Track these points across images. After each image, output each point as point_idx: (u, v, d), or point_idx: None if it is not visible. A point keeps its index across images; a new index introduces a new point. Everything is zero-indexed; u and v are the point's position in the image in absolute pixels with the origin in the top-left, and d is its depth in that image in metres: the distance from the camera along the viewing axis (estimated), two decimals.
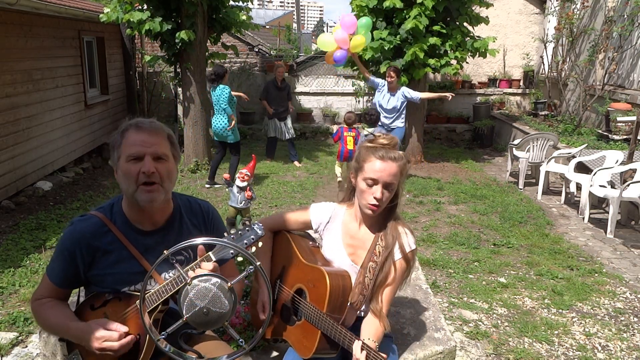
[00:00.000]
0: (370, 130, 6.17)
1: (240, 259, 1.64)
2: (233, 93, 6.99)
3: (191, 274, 1.57)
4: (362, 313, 2.00)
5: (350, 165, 2.03)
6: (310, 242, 2.19)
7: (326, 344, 1.85)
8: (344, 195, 2.14)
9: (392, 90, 7.04)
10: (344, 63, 7.07)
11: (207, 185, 6.95)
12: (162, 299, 1.64)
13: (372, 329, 1.86)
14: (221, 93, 6.61)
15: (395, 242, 1.94)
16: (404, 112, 7.10)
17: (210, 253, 1.62)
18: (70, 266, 1.71)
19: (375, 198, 1.87)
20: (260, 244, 1.70)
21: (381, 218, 1.99)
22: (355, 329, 1.93)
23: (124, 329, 1.62)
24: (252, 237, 1.67)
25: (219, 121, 6.69)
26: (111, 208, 1.77)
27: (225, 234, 1.68)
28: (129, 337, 1.61)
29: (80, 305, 1.79)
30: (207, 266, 1.60)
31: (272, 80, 8.33)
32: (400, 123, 7.12)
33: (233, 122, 6.61)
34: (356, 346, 1.72)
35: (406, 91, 7.03)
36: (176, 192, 1.87)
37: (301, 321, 1.96)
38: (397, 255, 1.95)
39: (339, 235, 2.06)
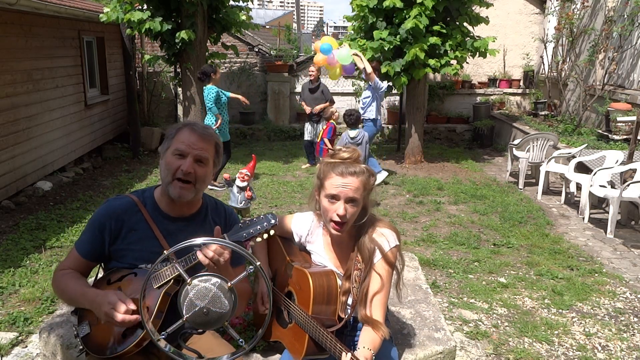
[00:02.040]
0: (355, 133, 5.54)
1: (259, 239, 1.72)
2: (232, 95, 6.97)
3: (206, 251, 1.66)
4: (351, 320, 1.98)
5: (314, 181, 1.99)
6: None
7: (315, 347, 1.85)
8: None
9: (371, 80, 7.08)
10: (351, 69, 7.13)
11: (209, 187, 6.96)
12: (170, 277, 1.74)
13: (368, 337, 1.80)
14: (207, 93, 6.59)
15: (374, 248, 1.90)
16: (374, 103, 7.08)
17: (225, 234, 1.71)
18: (98, 238, 1.86)
19: (338, 215, 1.83)
20: (272, 232, 1.73)
21: (356, 227, 1.94)
22: (344, 332, 1.92)
23: (132, 307, 1.70)
24: (265, 223, 1.72)
25: (209, 122, 6.70)
26: (143, 193, 1.96)
27: (242, 221, 1.77)
28: (133, 317, 1.68)
29: (98, 280, 1.92)
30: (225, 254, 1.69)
31: (308, 82, 8.34)
32: (370, 114, 7.11)
33: (219, 122, 6.58)
34: (344, 359, 1.66)
35: (375, 80, 7.03)
36: (206, 194, 2.04)
37: (292, 324, 1.97)
38: (377, 257, 1.90)
39: (321, 247, 2.04)
